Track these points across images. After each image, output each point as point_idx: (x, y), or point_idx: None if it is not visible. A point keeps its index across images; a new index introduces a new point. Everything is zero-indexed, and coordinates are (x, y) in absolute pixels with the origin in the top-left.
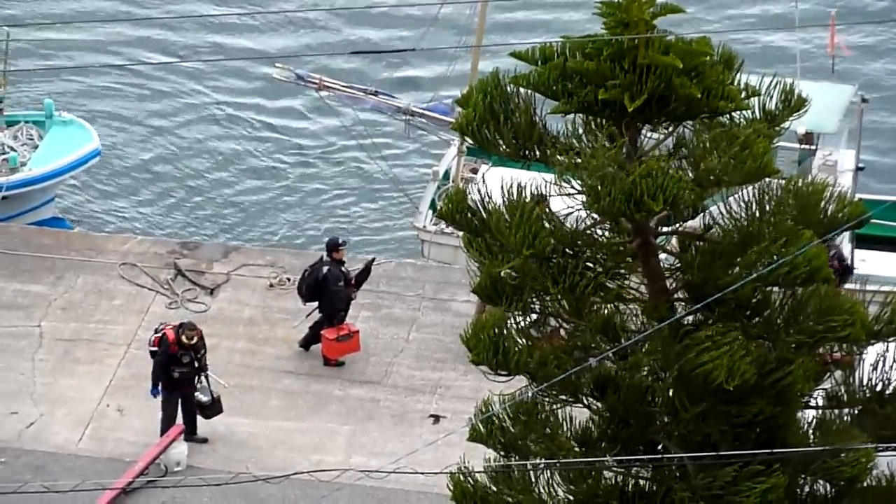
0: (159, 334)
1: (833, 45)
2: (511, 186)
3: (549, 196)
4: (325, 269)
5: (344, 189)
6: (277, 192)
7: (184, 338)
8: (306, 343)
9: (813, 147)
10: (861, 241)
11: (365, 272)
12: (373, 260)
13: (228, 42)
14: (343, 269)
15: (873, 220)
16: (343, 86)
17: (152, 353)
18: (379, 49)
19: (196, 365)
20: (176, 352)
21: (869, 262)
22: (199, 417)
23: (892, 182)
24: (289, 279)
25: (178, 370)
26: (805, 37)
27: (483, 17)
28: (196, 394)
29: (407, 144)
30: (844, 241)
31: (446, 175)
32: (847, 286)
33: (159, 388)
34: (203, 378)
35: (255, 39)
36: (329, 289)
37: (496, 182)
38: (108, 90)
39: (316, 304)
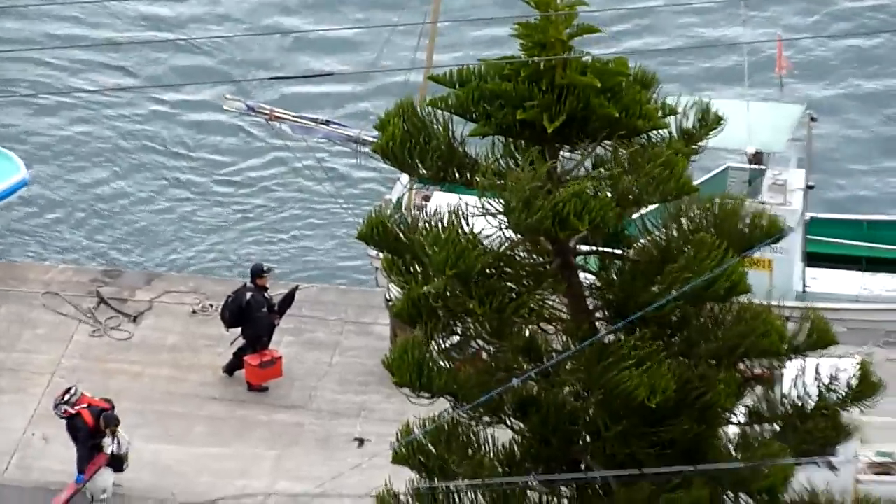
0: (72, 409)
1: (780, 66)
2: (434, 208)
3: (473, 217)
4: (249, 295)
5: (296, 217)
6: (224, 219)
7: (107, 431)
8: (230, 369)
9: (763, 167)
10: (812, 260)
11: (288, 299)
12: (296, 287)
13: (159, 69)
14: (266, 295)
15: (825, 239)
16: (294, 116)
17: (65, 419)
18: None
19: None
20: (95, 431)
21: (820, 280)
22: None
23: (843, 200)
24: (211, 306)
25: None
26: (753, 58)
27: (432, 43)
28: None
29: (359, 173)
30: (793, 256)
31: (399, 203)
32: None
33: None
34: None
35: (191, 62)
36: (252, 315)
37: (442, 206)
38: (32, 117)
39: (239, 330)
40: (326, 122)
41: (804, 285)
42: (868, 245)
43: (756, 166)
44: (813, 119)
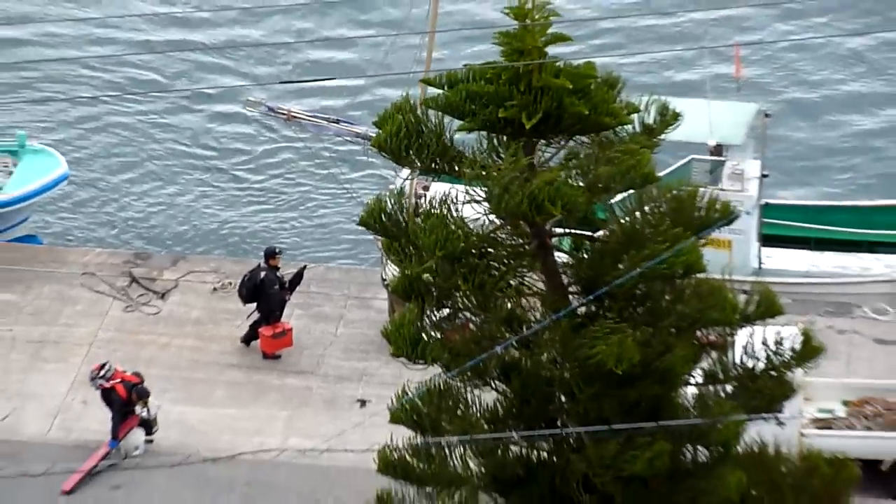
0: (108, 383)
1: (738, 70)
2: (427, 197)
3: (460, 204)
4: (263, 274)
5: (306, 204)
6: (242, 206)
7: (139, 404)
8: (247, 339)
9: (722, 158)
10: (767, 240)
11: (298, 277)
12: (304, 266)
13: (192, 71)
14: (278, 274)
15: (778, 222)
16: (308, 115)
17: (102, 390)
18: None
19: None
20: (128, 402)
21: (774, 259)
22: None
23: (793, 187)
24: (230, 283)
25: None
26: (715, 63)
27: (430, 52)
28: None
29: (365, 165)
30: (749, 237)
31: (401, 192)
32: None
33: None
34: (144, 405)
35: (216, 70)
36: (266, 292)
37: (436, 195)
38: (75, 117)
39: (254, 305)
40: (337, 121)
41: (760, 263)
42: (816, 227)
43: (717, 158)
44: (767, 116)
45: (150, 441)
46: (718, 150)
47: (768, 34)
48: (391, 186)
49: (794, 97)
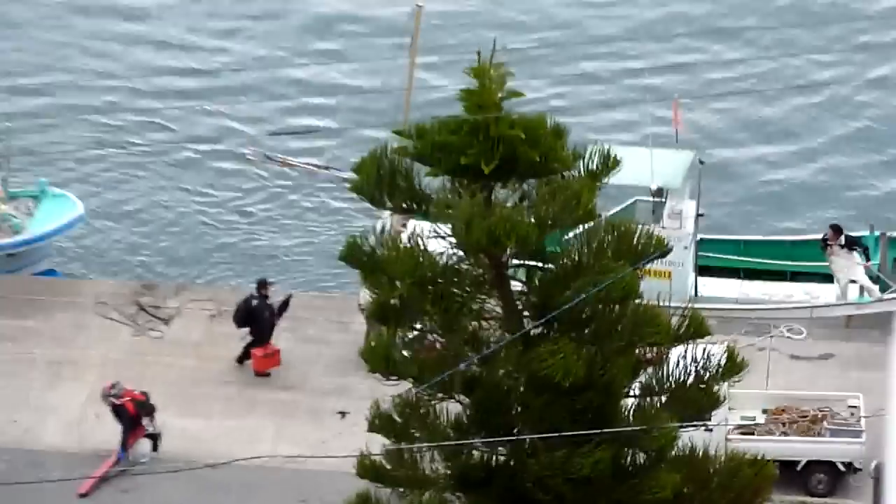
0: (119, 400)
1: (676, 121)
2: (398, 233)
3: (428, 239)
4: (255, 302)
5: (294, 240)
6: (237, 241)
7: (145, 419)
8: (240, 359)
9: (663, 199)
10: (702, 271)
11: (285, 304)
12: (290, 295)
13: (192, 116)
14: (268, 302)
15: (712, 254)
16: (301, 162)
17: (113, 407)
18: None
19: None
20: (136, 417)
21: (709, 287)
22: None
23: (725, 224)
24: (226, 310)
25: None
26: (655, 113)
27: (407, 104)
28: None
29: (349, 205)
30: (687, 268)
31: (384, 228)
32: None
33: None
34: (150, 420)
35: (217, 115)
36: (257, 317)
37: (413, 231)
38: (92, 165)
39: (247, 329)
40: (327, 167)
41: (696, 290)
42: (745, 259)
43: (658, 199)
44: (701, 162)
45: (156, 452)
46: (660, 192)
47: (705, 87)
48: (374, 224)
49: (727, 145)
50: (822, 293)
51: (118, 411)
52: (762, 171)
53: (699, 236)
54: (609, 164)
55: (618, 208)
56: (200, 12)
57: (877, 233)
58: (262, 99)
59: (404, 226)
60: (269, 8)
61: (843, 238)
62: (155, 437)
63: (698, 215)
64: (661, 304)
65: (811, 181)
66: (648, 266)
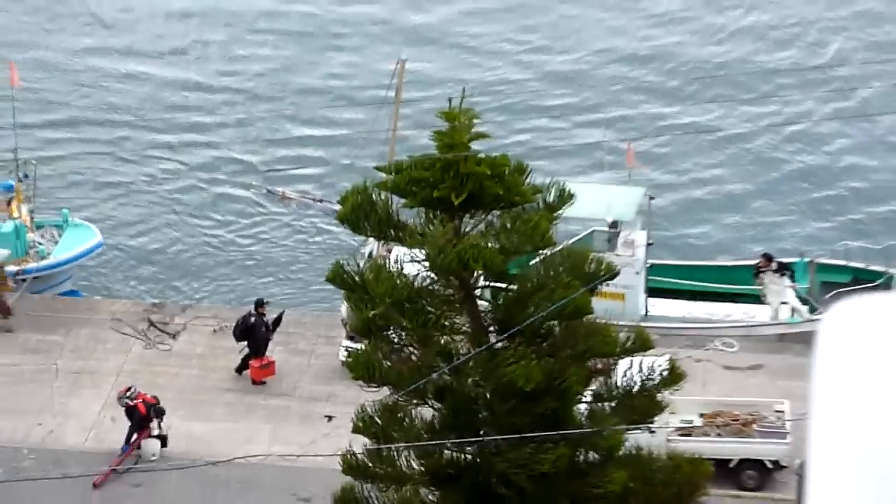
0: (132, 402)
1: (630, 161)
2: (378, 259)
3: (405, 263)
4: (252, 319)
5: (288, 264)
6: (238, 265)
7: (155, 420)
8: (239, 370)
9: (618, 230)
10: (652, 293)
11: (278, 320)
12: (283, 312)
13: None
14: (264, 319)
15: (660, 278)
16: (298, 195)
17: (127, 408)
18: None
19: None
20: (146, 418)
21: (658, 307)
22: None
23: (672, 252)
24: (227, 326)
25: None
26: (609, 157)
27: (393, 142)
28: (155, 429)
29: (339, 233)
30: (638, 291)
31: (370, 254)
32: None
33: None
34: (159, 422)
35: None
36: (255, 333)
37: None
38: (111, 195)
39: (245, 343)
40: (321, 200)
41: (646, 310)
42: (690, 282)
43: (613, 230)
44: (651, 198)
45: (165, 448)
46: (614, 224)
47: (655, 131)
48: (361, 250)
49: (674, 182)
50: (757, 313)
51: (130, 412)
52: (704, 205)
53: (649, 262)
54: (564, 197)
55: (578, 237)
56: (214, 55)
57: (806, 259)
58: (266, 137)
59: (389, 251)
60: (276, 52)
61: (774, 264)
62: (163, 438)
63: (648, 244)
64: (610, 321)
65: (745, 214)
66: (605, 289)
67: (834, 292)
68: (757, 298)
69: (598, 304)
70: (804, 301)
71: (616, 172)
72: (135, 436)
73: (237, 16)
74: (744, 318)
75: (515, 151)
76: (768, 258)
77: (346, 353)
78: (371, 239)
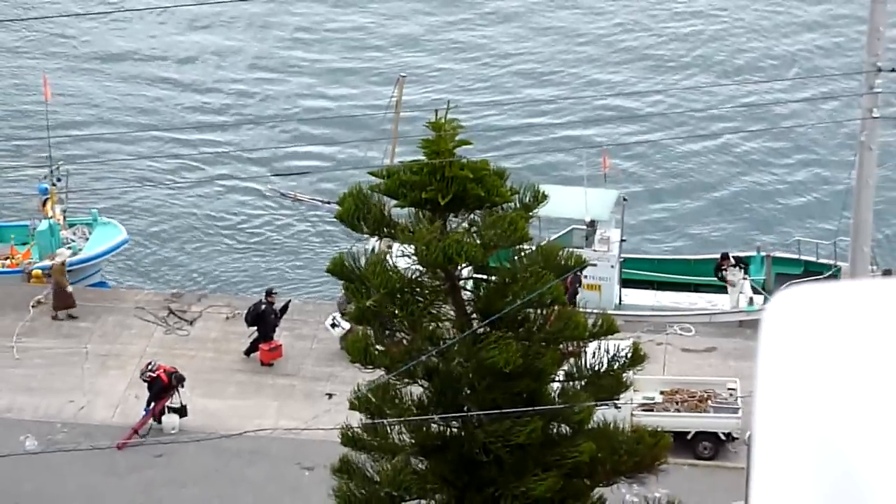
0: (154, 374)
1: (605, 165)
2: (381, 254)
3: (397, 257)
4: (263, 306)
5: (295, 257)
6: (249, 258)
7: (179, 386)
8: (248, 352)
9: (594, 229)
10: (625, 284)
11: (284, 308)
12: (290, 301)
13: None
14: (273, 307)
15: (632, 271)
16: (308, 197)
17: (148, 382)
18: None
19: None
20: (168, 386)
21: (630, 297)
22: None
23: (643, 246)
24: (238, 313)
25: (165, 394)
26: (588, 159)
27: (393, 152)
28: (174, 397)
29: (342, 231)
30: (613, 282)
31: (373, 249)
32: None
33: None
34: (177, 392)
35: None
36: (264, 319)
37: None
38: (135, 196)
39: (255, 328)
40: (328, 202)
41: (620, 300)
42: (659, 274)
43: (590, 228)
44: (625, 199)
45: (185, 417)
46: (592, 223)
47: (627, 136)
48: (363, 246)
49: (646, 184)
50: (719, 301)
51: (153, 383)
52: (671, 204)
53: (622, 256)
54: (539, 198)
55: (558, 234)
56: (234, 62)
57: (763, 253)
58: (279, 144)
59: (389, 247)
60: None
61: (732, 260)
62: (183, 408)
63: (621, 240)
64: (582, 308)
65: (707, 213)
66: (584, 281)
67: (787, 283)
68: (718, 289)
69: (586, 295)
70: (759, 291)
71: (592, 175)
72: (152, 405)
73: (265, 27)
74: (707, 307)
75: (511, 160)
76: (725, 256)
77: (331, 322)
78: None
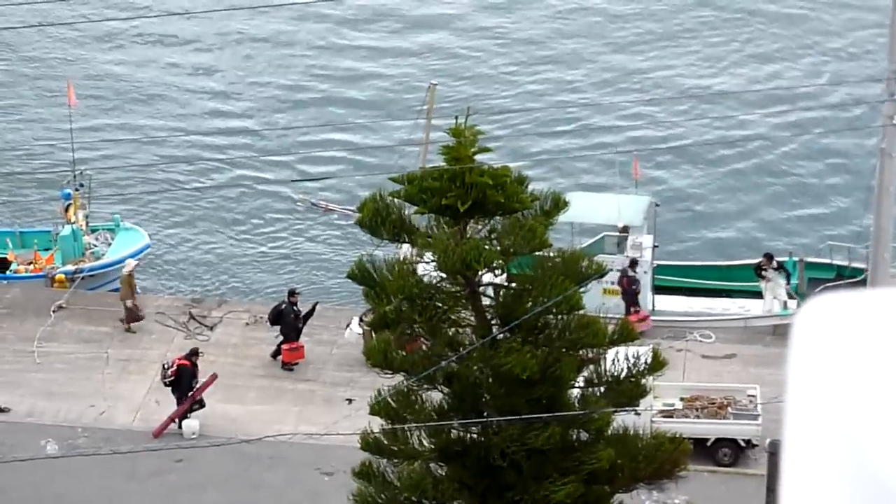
0: (174, 367)
1: (636, 172)
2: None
3: (417, 263)
4: (284, 306)
5: (319, 263)
6: (272, 263)
7: (197, 360)
8: (274, 354)
9: (627, 234)
10: (658, 290)
11: (311, 311)
12: (317, 303)
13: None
14: (295, 308)
15: (665, 277)
16: (339, 207)
17: (173, 378)
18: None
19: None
20: (194, 372)
21: (663, 303)
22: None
23: (678, 254)
24: (260, 318)
25: (196, 379)
26: (620, 168)
27: (424, 155)
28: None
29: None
30: (646, 288)
31: (404, 259)
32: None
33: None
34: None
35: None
36: (284, 318)
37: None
38: (157, 202)
39: (278, 328)
40: (355, 210)
41: (654, 306)
42: (692, 280)
43: (623, 234)
44: (657, 205)
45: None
46: (625, 228)
47: (660, 141)
48: (396, 253)
49: (676, 191)
50: (752, 307)
51: (178, 378)
52: (702, 210)
53: (655, 263)
54: (559, 205)
55: (590, 241)
56: (259, 68)
57: (795, 258)
58: (306, 148)
59: (421, 256)
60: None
61: (774, 262)
62: (201, 402)
63: (654, 246)
64: (600, 315)
65: (739, 219)
66: (616, 287)
67: (820, 288)
68: (750, 294)
69: (611, 300)
70: (793, 295)
71: (625, 181)
72: (192, 391)
73: (286, 33)
74: (740, 312)
75: (542, 167)
76: (769, 257)
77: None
78: (405, 244)
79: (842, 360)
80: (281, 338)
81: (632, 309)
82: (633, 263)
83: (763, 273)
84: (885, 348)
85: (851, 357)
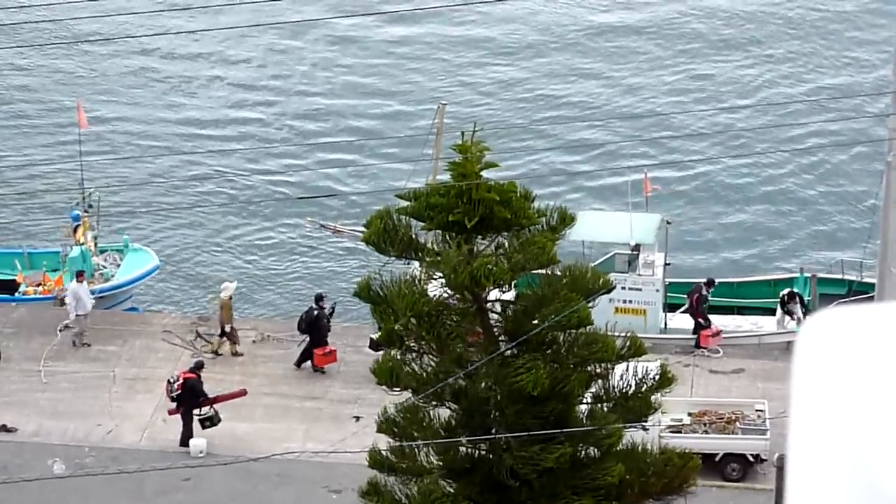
0: (180, 381)
1: (646, 189)
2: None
3: (424, 280)
4: (315, 312)
5: (331, 282)
6: (285, 286)
7: (201, 372)
8: (299, 363)
9: (638, 252)
10: (670, 308)
11: (331, 312)
12: (335, 304)
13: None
14: (324, 312)
15: (677, 295)
16: (348, 228)
17: (176, 397)
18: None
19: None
20: (200, 382)
21: (675, 320)
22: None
23: (688, 271)
24: (268, 336)
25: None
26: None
27: (435, 172)
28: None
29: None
30: (657, 307)
31: (413, 278)
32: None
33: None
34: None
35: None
36: (318, 324)
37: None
38: (165, 222)
39: (306, 336)
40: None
41: (665, 324)
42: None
43: (634, 252)
44: (668, 223)
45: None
46: (636, 247)
47: (671, 159)
48: (408, 273)
49: (687, 208)
50: (765, 324)
51: (188, 392)
52: (714, 228)
53: (667, 281)
54: (565, 220)
55: (601, 259)
56: (267, 86)
57: (807, 274)
58: (312, 168)
59: (432, 277)
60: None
61: (797, 298)
62: (211, 419)
63: (666, 264)
64: (608, 331)
65: (749, 233)
66: (629, 305)
67: (833, 304)
68: (763, 311)
69: (622, 318)
70: (806, 312)
71: (636, 200)
72: (215, 396)
73: (292, 50)
74: (753, 329)
75: (550, 184)
76: (792, 295)
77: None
78: (415, 262)
79: (846, 373)
80: (305, 344)
81: (701, 322)
82: (710, 283)
83: (789, 307)
84: (890, 362)
85: (856, 370)
